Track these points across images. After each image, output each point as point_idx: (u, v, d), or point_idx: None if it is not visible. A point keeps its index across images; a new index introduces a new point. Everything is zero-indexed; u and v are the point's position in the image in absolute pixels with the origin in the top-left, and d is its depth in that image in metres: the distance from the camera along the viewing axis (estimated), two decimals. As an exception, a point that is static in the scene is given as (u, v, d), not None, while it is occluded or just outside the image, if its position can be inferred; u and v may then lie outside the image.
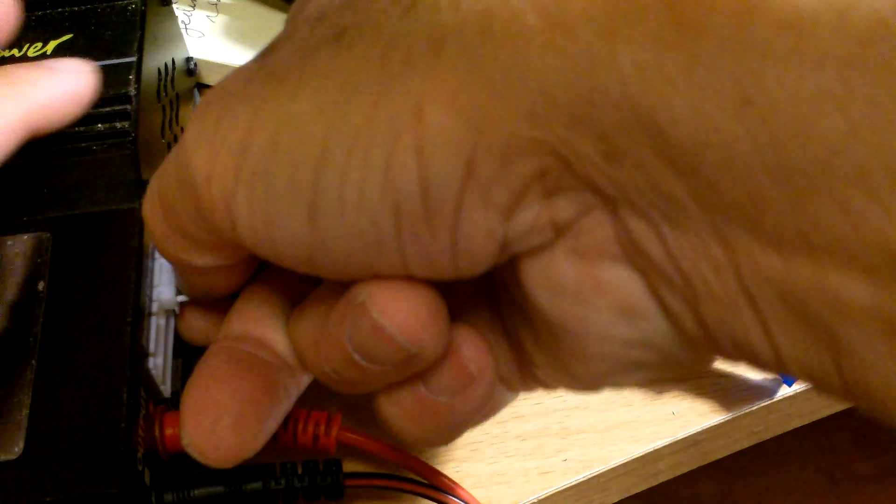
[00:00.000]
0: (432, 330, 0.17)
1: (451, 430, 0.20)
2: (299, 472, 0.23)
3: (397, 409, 0.19)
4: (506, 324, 0.19)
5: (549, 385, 0.19)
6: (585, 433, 0.28)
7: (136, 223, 0.23)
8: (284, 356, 0.21)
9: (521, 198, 0.15)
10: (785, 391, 0.30)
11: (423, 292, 0.17)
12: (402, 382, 0.19)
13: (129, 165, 0.24)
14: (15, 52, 0.26)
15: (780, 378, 0.29)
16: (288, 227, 0.16)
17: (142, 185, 0.24)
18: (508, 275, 0.17)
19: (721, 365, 0.30)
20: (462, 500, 0.25)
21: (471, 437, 0.28)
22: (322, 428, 0.23)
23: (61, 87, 0.22)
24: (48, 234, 0.23)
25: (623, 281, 0.15)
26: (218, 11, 0.36)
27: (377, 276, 0.17)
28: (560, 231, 0.15)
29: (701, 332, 0.15)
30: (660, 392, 0.29)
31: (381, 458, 0.25)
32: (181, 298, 0.23)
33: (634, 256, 0.15)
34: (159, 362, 0.22)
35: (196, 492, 0.22)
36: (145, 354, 0.22)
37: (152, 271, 0.23)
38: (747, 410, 0.29)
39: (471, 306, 0.20)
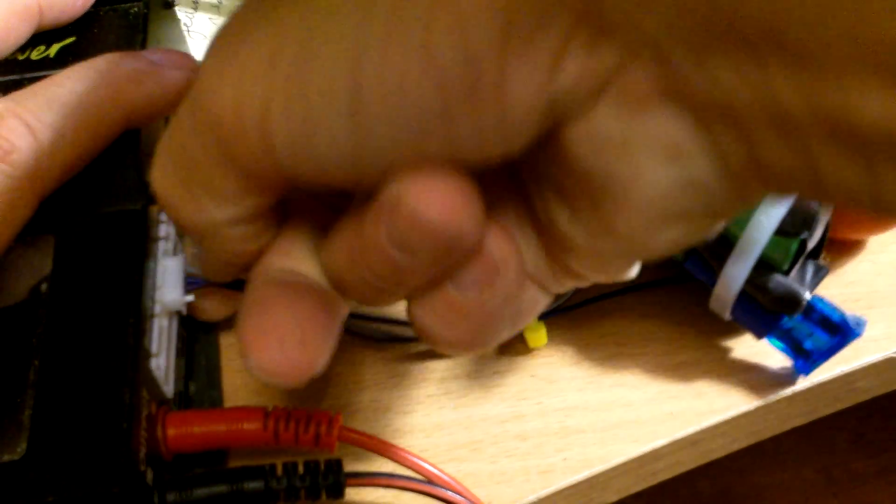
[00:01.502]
0: (469, 212, 0.17)
1: (482, 330, 0.20)
2: (300, 471, 0.23)
3: (430, 314, 0.19)
4: (536, 214, 0.19)
5: (581, 276, 0.20)
6: (585, 433, 0.28)
7: (139, 224, 0.23)
8: (323, 284, 0.21)
9: (565, 45, 0.15)
10: (784, 391, 0.30)
11: (455, 177, 0.17)
12: (431, 285, 0.19)
13: (132, 167, 0.24)
14: (18, 55, 0.26)
15: (782, 375, 0.29)
16: (330, 131, 0.16)
17: (145, 187, 0.24)
18: (544, 148, 0.17)
19: (720, 365, 0.30)
20: (462, 499, 0.25)
21: (471, 436, 0.28)
22: (323, 427, 0.23)
23: (160, 81, 0.23)
24: (51, 235, 0.23)
25: (669, 123, 0.15)
26: (220, 13, 0.36)
27: (409, 170, 0.17)
28: (607, 79, 0.15)
29: (749, 162, 0.15)
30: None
31: (382, 457, 0.25)
32: (188, 298, 0.23)
33: (680, 94, 0.15)
34: (162, 363, 0.22)
35: (198, 491, 0.22)
36: (148, 355, 0.22)
37: (155, 272, 0.23)
38: (746, 410, 0.29)
39: (499, 205, 0.20)
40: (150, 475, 0.21)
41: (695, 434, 0.29)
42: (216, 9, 0.36)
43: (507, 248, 0.19)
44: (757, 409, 0.30)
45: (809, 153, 0.14)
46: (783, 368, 0.30)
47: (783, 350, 0.29)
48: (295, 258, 0.21)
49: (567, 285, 0.21)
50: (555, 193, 0.19)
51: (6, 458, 0.19)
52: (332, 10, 0.16)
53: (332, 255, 0.20)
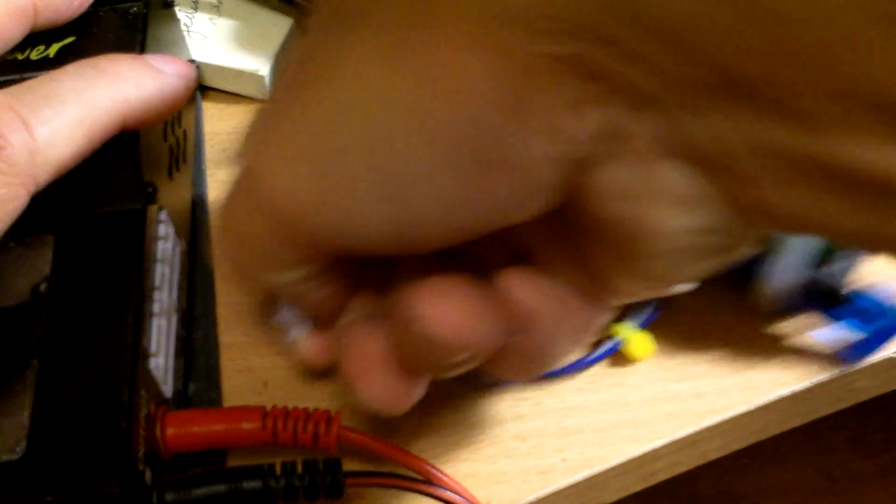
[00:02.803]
0: (480, 324, 0.19)
1: (536, 365, 0.21)
2: (299, 471, 0.23)
3: (488, 362, 0.20)
4: (580, 255, 0.20)
5: (637, 295, 0.21)
6: (584, 433, 0.28)
7: (138, 224, 0.23)
8: None
9: (574, 108, 0.15)
10: (783, 391, 0.30)
11: (462, 290, 0.19)
12: None
13: (131, 167, 0.24)
14: (17, 54, 0.26)
15: (782, 374, 0.29)
16: (369, 218, 0.18)
17: (144, 187, 0.24)
18: (573, 203, 0.18)
19: (720, 364, 0.30)
20: (461, 499, 0.25)
21: (470, 436, 0.28)
22: (322, 427, 0.23)
23: (160, 87, 0.24)
24: (50, 235, 0.23)
25: (679, 175, 0.16)
26: (220, 14, 0.36)
27: (420, 283, 0.19)
28: (616, 138, 0.16)
29: (758, 204, 0.15)
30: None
31: (381, 457, 0.25)
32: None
33: (686, 147, 0.15)
34: (161, 363, 0.23)
35: (197, 491, 0.22)
36: (147, 355, 0.22)
37: (154, 272, 0.23)
38: (745, 410, 0.29)
39: (546, 249, 0.21)
40: (148, 475, 0.21)
41: (694, 434, 0.29)
42: (216, 9, 0.36)
43: (537, 297, 0.20)
44: (757, 409, 0.30)
45: (814, 198, 0.14)
46: (783, 368, 0.30)
47: (854, 327, 0.29)
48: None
49: (623, 301, 0.22)
50: (592, 241, 0.19)
51: (5, 457, 0.19)
52: (352, 94, 0.17)
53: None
